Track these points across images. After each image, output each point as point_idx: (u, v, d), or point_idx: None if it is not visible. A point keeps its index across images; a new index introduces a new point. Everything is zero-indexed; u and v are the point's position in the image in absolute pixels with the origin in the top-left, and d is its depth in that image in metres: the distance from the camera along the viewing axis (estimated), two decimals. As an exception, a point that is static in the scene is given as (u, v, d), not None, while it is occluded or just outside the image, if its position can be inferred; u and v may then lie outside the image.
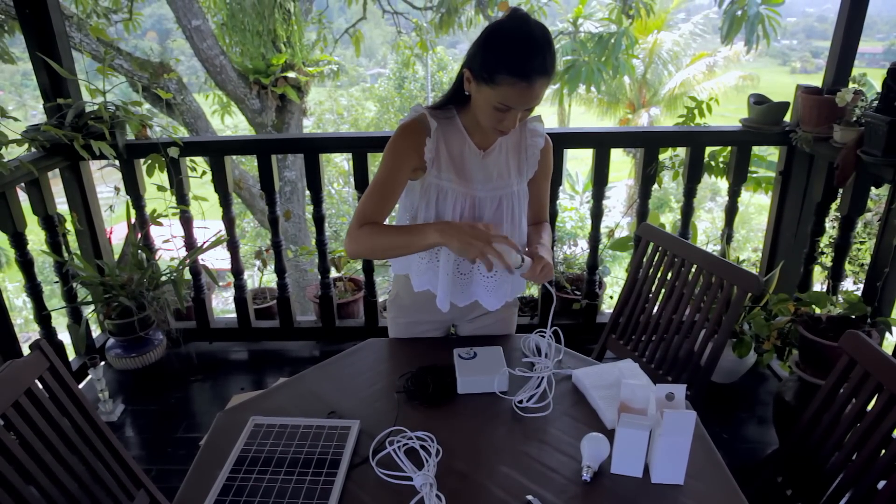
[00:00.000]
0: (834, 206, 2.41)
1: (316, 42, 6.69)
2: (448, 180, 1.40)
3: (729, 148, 2.64)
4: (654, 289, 1.87)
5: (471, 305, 1.58)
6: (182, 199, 2.61)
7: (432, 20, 6.42)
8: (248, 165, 8.17)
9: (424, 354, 1.52)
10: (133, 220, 2.60)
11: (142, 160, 2.55)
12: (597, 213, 2.66)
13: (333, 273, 3.00)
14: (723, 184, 2.72)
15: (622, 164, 11.84)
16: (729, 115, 3.50)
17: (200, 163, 2.70)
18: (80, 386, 2.51)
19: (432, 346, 1.59)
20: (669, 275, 1.82)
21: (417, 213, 1.45)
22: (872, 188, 2.25)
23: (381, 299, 2.89)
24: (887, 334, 2.14)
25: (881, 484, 1.15)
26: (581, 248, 3.28)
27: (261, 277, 3.41)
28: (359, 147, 2.55)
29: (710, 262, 1.70)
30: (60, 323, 2.60)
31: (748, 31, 4.58)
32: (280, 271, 2.79)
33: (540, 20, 1.29)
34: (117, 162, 2.56)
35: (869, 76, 2.39)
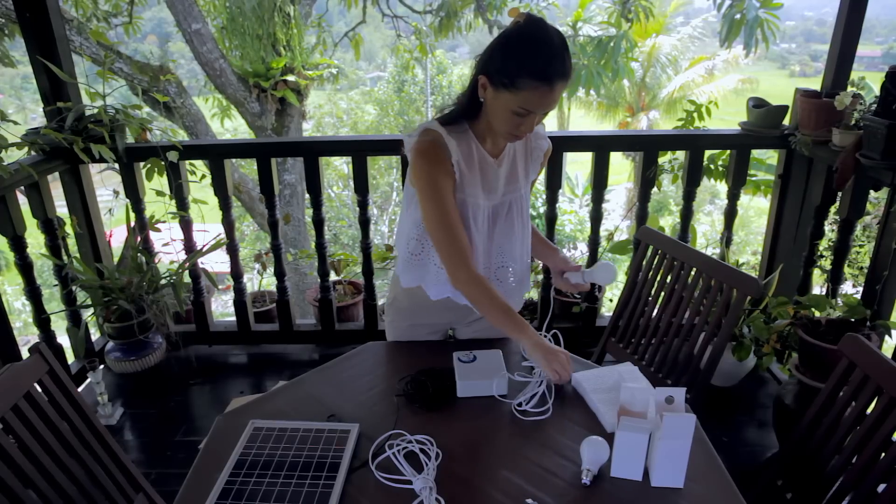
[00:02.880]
0: (833, 209, 2.42)
1: (315, 46, 6.70)
2: (472, 195, 1.40)
3: (728, 151, 2.64)
4: (653, 292, 1.87)
5: (470, 309, 1.58)
6: (181, 202, 2.61)
7: (432, 24, 6.43)
8: (247, 169, 8.17)
9: (424, 358, 1.52)
10: (133, 224, 2.60)
11: (141, 164, 2.56)
12: (596, 217, 2.66)
13: (333, 276, 3.00)
14: (722, 187, 2.72)
15: (621, 167, 11.85)
16: (728, 118, 3.51)
17: (200, 166, 2.70)
18: (80, 389, 2.51)
19: (432, 350, 1.59)
20: (669, 278, 1.82)
21: None
22: (871, 191, 2.26)
23: (380, 302, 2.89)
24: (887, 337, 2.13)
25: (881, 487, 1.15)
26: (581, 251, 3.28)
27: (260, 281, 3.41)
28: (358, 150, 2.55)
29: (709, 266, 1.70)
30: (60, 326, 2.59)
31: (747, 35, 4.58)
32: (279, 274, 2.79)
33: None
34: (117, 165, 2.57)
35: (868, 79, 2.40)
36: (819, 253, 2.48)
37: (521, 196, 1.48)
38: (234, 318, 2.89)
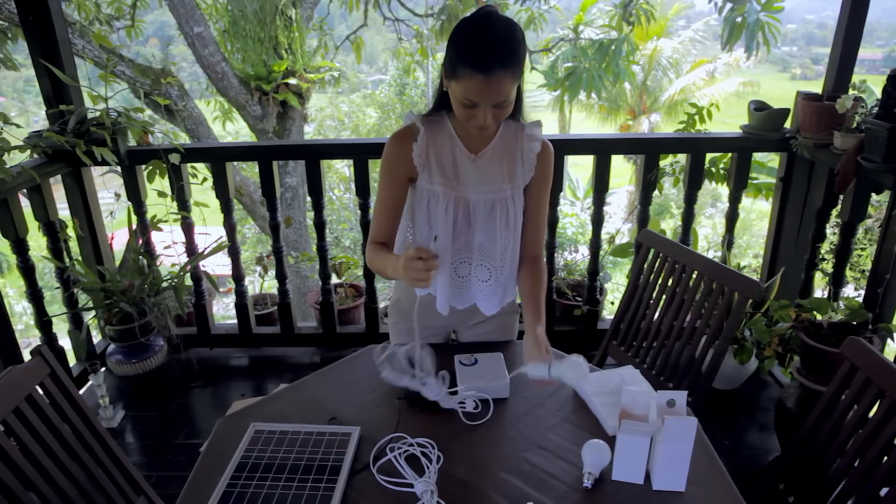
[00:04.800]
0: (835, 212, 2.41)
1: (317, 49, 6.71)
2: (439, 184, 1.40)
3: (729, 154, 2.64)
4: (654, 295, 1.87)
5: (470, 311, 1.58)
6: (183, 205, 2.61)
7: (433, 27, 6.44)
8: (249, 171, 8.18)
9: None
10: (134, 226, 2.61)
11: (143, 166, 2.56)
12: (598, 220, 2.66)
13: (334, 279, 3.00)
14: (723, 190, 2.72)
15: (623, 170, 11.81)
16: (729, 121, 3.51)
17: (201, 169, 2.70)
18: (81, 392, 2.51)
19: (433, 353, 1.58)
20: (670, 281, 1.82)
21: (414, 217, 1.47)
22: (873, 194, 2.26)
23: (381, 305, 2.89)
24: (888, 340, 2.13)
25: (884, 491, 1.15)
26: (582, 255, 3.28)
27: (262, 283, 3.41)
28: (360, 153, 2.56)
29: (710, 269, 1.70)
30: (61, 329, 2.59)
31: (748, 38, 4.59)
32: (281, 277, 2.79)
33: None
34: (119, 168, 2.57)
35: (869, 82, 2.40)
36: (821, 256, 2.48)
37: (507, 198, 1.43)
38: (235, 321, 2.89)
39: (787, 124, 2.48)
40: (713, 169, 2.74)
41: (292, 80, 5.92)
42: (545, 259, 1.80)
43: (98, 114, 2.43)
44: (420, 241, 1.48)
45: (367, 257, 1.49)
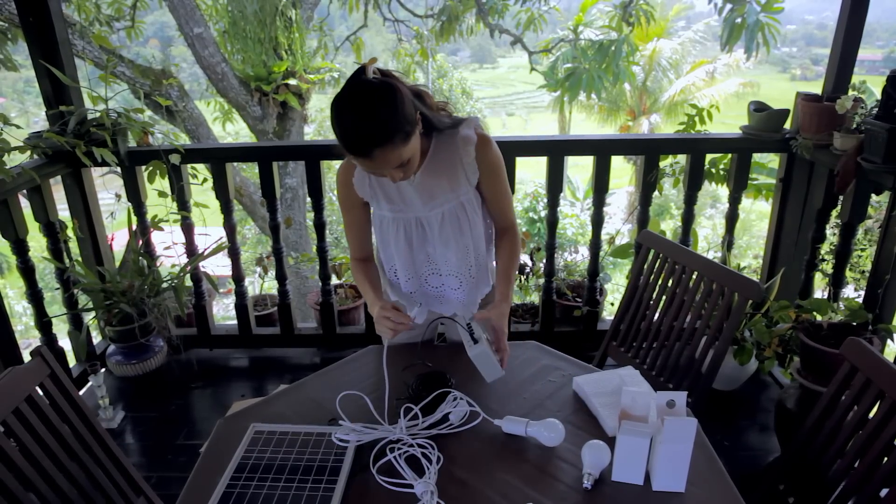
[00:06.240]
0: (835, 212, 2.41)
1: (317, 49, 6.71)
2: (387, 210, 1.46)
3: (729, 155, 2.64)
4: (654, 296, 1.87)
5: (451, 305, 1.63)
6: (183, 205, 2.61)
7: (433, 28, 6.46)
8: (249, 172, 8.18)
9: (424, 361, 1.52)
10: (134, 227, 2.61)
11: (143, 167, 2.56)
12: (597, 220, 2.67)
13: (334, 280, 3.00)
14: (723, 191, 2.72)
15: (623, 171, 11.84)
16: (729, 122, 3.51)
17: (201, 169, 2.70)
18: (81, 393, 2.51)
19: (432, 353, 1.58)
20: (670, 282, 1.82)
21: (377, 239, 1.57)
22: (873, 195, 2.25)
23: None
24: (888, 341, 2.13)
25: (884, 492, 1.15)
26: (582, 255, 3.28)
27: (262, 284, 3.40)
28: (360, 154, 2.55)
29: (710, 269, 1.70)
30: (61, 329, 2.59)
31: (748, 39, 4.60)
32: (281, 278, 2.79)
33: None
34: (119, 169, 2.57)
35: (869, 83, 2.40)
36: (821, 256, 2.48)
37: (455, 206, 1.44)
38: (235, 322, 2.89)
39: (787, 125, 2.48)
40: (713, 170, 2.74)
41: (292, 81, 5.92)
42: (520, 233, 1.86)
43: (98, 114, 2.43)
44: (386, 259, 1.58)
45: (352, 273, 1.60)
